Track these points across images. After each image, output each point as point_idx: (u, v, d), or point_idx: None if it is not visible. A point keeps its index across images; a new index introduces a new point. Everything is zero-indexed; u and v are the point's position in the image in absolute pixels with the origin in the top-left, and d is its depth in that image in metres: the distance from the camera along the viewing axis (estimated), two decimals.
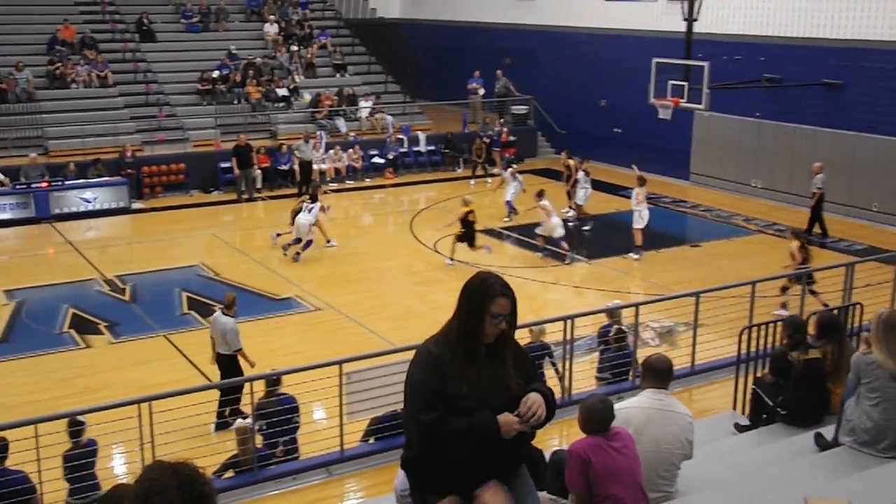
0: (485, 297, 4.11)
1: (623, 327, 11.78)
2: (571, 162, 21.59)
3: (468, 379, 4.09)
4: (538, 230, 18.61)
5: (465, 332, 4.13)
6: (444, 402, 4.05)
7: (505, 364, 4.20)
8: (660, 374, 6.17)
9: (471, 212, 17.85)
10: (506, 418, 4.06)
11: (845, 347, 8.13)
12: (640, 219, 18.41)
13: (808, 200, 19.80)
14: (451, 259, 17.88)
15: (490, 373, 4.14)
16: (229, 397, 10.81)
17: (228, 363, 11.49)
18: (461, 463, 4.13)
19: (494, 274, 4.28)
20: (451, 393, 4.06)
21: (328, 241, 19.13)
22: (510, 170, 21.99)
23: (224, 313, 11.66)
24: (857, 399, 6.73)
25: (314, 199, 18.94)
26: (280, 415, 9.57)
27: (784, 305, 14.10)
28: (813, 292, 13.85)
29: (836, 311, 10.03)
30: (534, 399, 4.07)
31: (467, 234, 17.83)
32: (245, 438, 9.23)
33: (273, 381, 9.77)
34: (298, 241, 18.39)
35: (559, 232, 18.15)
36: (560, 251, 18.16)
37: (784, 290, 14.15)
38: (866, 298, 12.03)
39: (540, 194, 18.56)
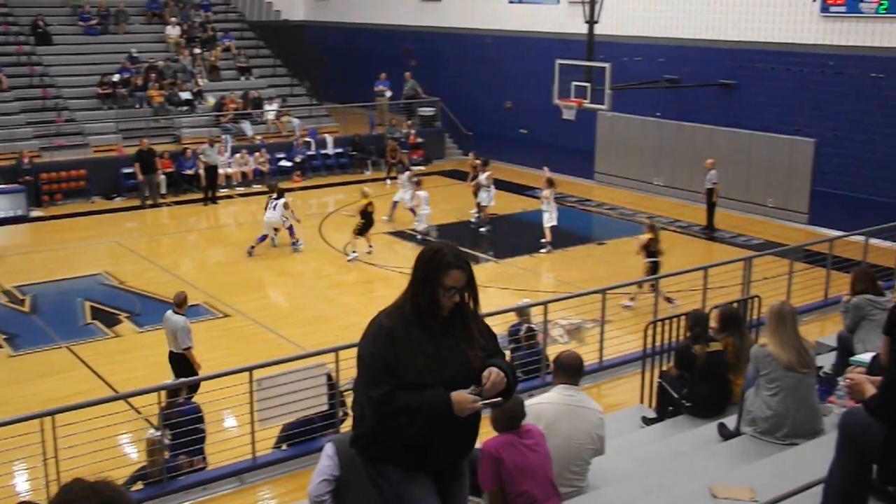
0: (437, 268, 3.99)
1: (532, 325, 11.94)
2: (477, 163, 21.75)
3: (423, 353, 3.95)
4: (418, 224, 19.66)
5: (419, 304, 4.00)
6: (396, 377, 3.91)
7: (465, 337, 4.07)
8: (570, 371, 6.30)
9: (370, 203, 18.41)
10: (460, 396, 3.90)
11: (745, 339, 8.41)
12: (551, 218, 18.78)
13: (725, 201, 20.50)
14: (354, 252, 18.40)
15: (448, 346, 4.01)
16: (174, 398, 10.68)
17: (180, 362, 11.45)
18: (411, 442, 4.02)
19: (450, 244, 4.15)
20: (403, 367, 3.92)
21: (294, 242, 19.14)
22: (407, 174, 21.93)
23: (175, 312, 11.61)
24: (757, 389, 6.97)
25: (279, 196, 18.91)
26: (184, 425, 9.41)
27: (633, 298, 14.68)
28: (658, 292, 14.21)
29: (735, 304, 10.35)
30: (495, 373, 3.93)
31: (367, 225, 18.48)
32: (154, 450, 9.07)
33: (173, 391, 9.60)
34: (264, 237, 18.68)
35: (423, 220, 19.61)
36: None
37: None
38: (764, 291, 12.45)
39: (417, 183, 19.94)
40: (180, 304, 11.70)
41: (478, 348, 4.08)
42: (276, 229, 19.09)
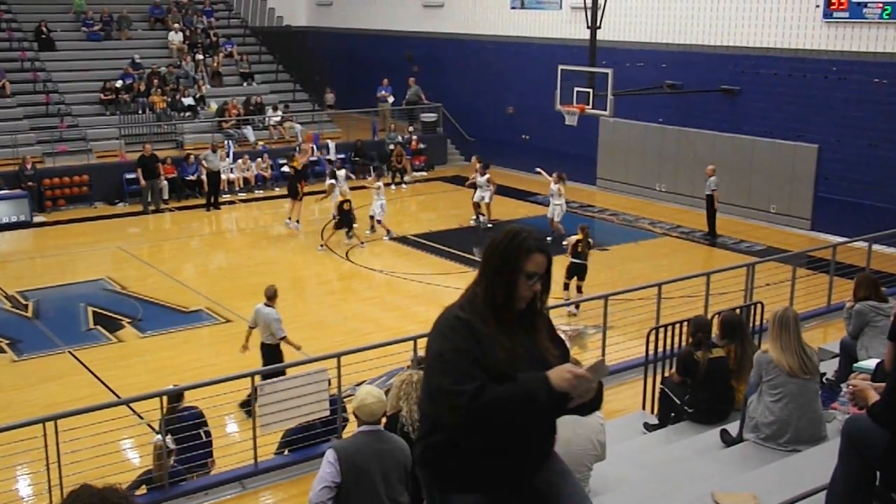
0: (518, 253, 3.59)
1: None
2: (478, 166, 21.77)
3: (503, 347, 3.54)
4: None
5: (495, 296, 3.59)
6: (484, 371, 3.48)
7: (539, 334, 3.70)
8: None
9: (346, 201, 19.56)
10: (556, 370, 3.47)
11: (748, 346, 8.40)
12: (562, 212, 19.29)
13: (728, 207, 20.54)
14: (294, 222, 20.70)
15: (523, 342, 3.62)
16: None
17: (272, 352, 11.84)
18: (500, 444, 3.54)
19: (527, 227, 3.73)
20: (488, 360, 3.50)
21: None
22: (379, 182, 21.12)
23: (266, 304, 12.02)
24: (760, 396, 6.97)
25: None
26: (186, 430, 9.40)
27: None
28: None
29: (738, 311, 10.35)
30: (597, 361, 3.57)
31: (343, 221, 19.72)
32: (160, 454, 9.07)
33: (175, 396, 9.59)
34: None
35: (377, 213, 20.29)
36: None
37: (566, 286, 15.35)
38: (767, 297, 12.44)
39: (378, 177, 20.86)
40: (271, 297, 12.16)
41: (553, 346, 3.75)
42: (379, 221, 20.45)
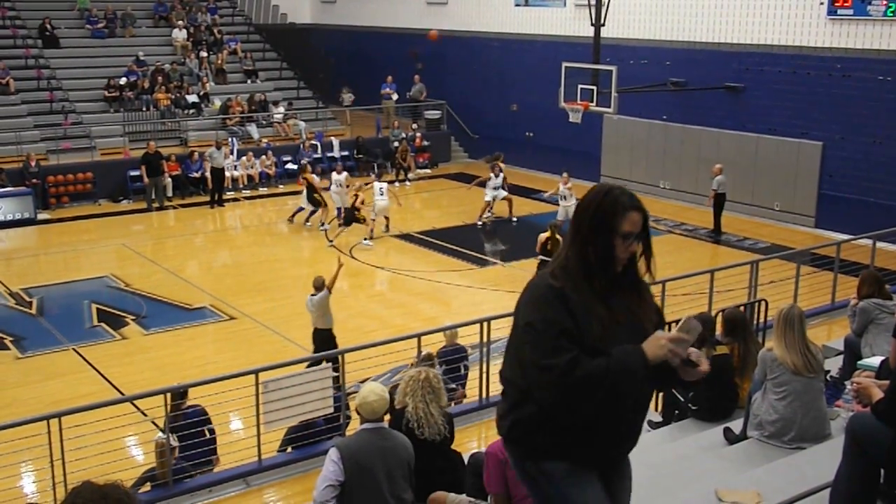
0: (613, 211, 3.41)
1: None
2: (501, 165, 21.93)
3: (598, 318, 3.35)
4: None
5: (589, 260, 3.40)
6: (577, 344, 3.31)
7: (640, 301, 3.52)
8: None
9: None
10: (651, 340, 3.34)
11: (751, 343, 8.38)
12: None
13: (731, 205, 20.52)
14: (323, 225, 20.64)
15: (621, 310, 3.43)
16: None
17: (326, 337, 12.32)
18: (591, 419, 3.39)
19: (618, 185, 3.57)
20: (581, 332, 3.32)
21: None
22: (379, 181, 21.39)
23: (314, 295, 12.58)
24: (764, 393, 6.96)
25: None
26: (189, 427, 9.41)
27: None
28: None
29: (742, 308, 10.33)
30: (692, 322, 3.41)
31: (349, 217, 19.86)
32: (163, 452, 9.08)
33: (179, 394, 9.59)
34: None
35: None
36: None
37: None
38: (771, 295, 12.43)
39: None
40: (320, 287, 12.71)
41: (652, 313, 3.56)
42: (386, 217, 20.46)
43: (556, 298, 3.35)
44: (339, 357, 10.25)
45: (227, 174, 24.31)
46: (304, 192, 21.27)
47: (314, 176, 21.92)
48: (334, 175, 21.53)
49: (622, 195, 3.46)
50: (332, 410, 10.08)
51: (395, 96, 29.76)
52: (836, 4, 19.58)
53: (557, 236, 15.68)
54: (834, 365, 8.95)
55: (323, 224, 20.83)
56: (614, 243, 3.41)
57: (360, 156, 27.23)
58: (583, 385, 3.26)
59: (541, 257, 15.85)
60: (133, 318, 15.43)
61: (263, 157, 25.68)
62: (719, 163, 20.22)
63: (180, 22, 30.64)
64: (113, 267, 18.43)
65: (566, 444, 3.48)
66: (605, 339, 3.33)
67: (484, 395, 11.04)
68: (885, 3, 18.76)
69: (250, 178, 25.25)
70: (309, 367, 10.57)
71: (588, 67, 21.54)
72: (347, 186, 21.01)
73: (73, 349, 14.00)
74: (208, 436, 9.60)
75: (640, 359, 3.28)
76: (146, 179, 22.98)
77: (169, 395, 9.28)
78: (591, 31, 22.11)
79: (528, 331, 3.38)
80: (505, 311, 12.66)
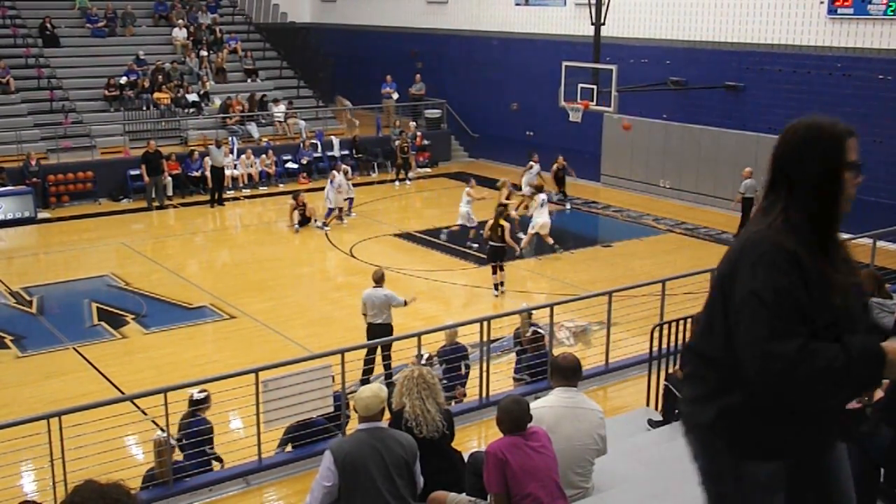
0: (836, 141, 2.91)
1: (539, 328, 11.92)
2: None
3: (839, 291, 2.81)
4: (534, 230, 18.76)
5: (824, 212, 2.88)
6: (808, 324, 2.73)
7: (850, 262, 3.02)
8: (567, 373, 6.28)
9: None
10: (893, 346, 2.73)
11: None
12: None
13: (720, 200, 20.38)
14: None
15: (847, 273, 2.93)
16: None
17: (384, 332, 12.05)
18: (811, 408, 2.87)
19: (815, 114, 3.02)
20: (817, 311, 2.75)
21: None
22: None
23: (375, 287, 12.33)
24: None
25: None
26: (191, 437, 9.42)
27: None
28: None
29: None
30: None
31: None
32: (161, 451, 9.07)
33: (198, 401, 9.58)
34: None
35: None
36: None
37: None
38: None
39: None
40: (379, 280, 12.42)
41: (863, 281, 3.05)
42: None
43: (790, 264, 2.78)
44: (341, 356, 10.24)
45: (227, 173, 24.30)
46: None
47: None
48: (336, 175, 21.41)
49: (836, 122, 2.97)
50: (332, 409, 10.08)
51: (395, 95, 29.75)
52: (837, 4, 19.58)
53: (502, 222, 16.21)
54: None
55: (325, 224, 20.81)
56: (844, 182, 2.89)
57: (360, 155, 27.22)
58: (815, 381, 2.70)
59: (491, 244, 16.34)
60: (133, 317, 15.43)
61: (263, 156, 25.67)
62: (749, 167, 19.69)
63: (180, 21, 30.63)
64: (113, 266, 18.43)
65: (778, 436, 2.94)
66: (843, 317, 2.82)
67: (484, 394, 11.03)
68: (885, 2, 18.76)
69: (250, 177, 25.24)
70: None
71: (588, 66, 21.54)
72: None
73: (74, 348, 14.00)
74: (206, 455, 9.60)
75: (880, 363, 2.71)
76: (146, 178, 22.98)
77: (188, 400, 9.30)
78: (591, 31, 22.12)
79: (752, 302, 2.77)
80: (504, 311, 12.71)
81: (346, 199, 21.48)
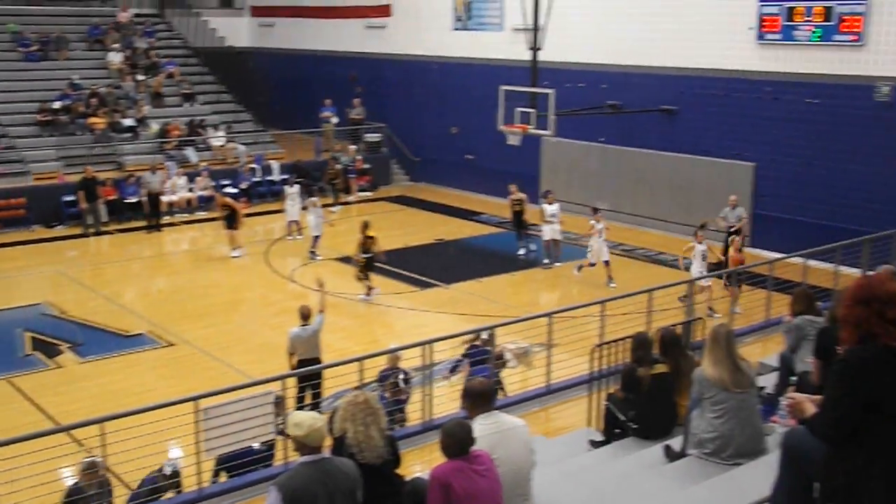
0: None
1: (406, 371, 11.84)
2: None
3: None
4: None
5: None
6: None
7: None
8: (485, 398, 6.21)
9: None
10: None
11: (683, 361, 8.49)
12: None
13: (657, 222, 20.68)
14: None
15: None
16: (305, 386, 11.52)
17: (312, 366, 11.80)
18: None
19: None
20: None
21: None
22: (315, 199, 21.73)
23: (304, 325, 12.12)
24: (702, 411, 7.07)
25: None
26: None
27: None
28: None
29: (678, 327, 10.49)
30: None
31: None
32: (89, 474, 8.82)
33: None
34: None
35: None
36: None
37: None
38: (706, 314, 12.64)
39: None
40: (306, 316, 12.20)
41: None
42: None
43: None
44: (282, 382, 10.16)
45: (165, 199, 24.02)
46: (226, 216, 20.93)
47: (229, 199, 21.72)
48: (312, 200, 21.43)
49: None
50: (274, 436, 9.98)
51: (334, 119, 29.72)
52: (765, 30, 20.11)
53: (371, 233, 17.43)
54: (769, 381, 9.13)
55: (316, 253, 20.63)
56: None
57: (300, 179, 27.07)
58: None
59: (363, 255, 17.47)
60: (69, 346, 15.13)
61: (198, 178, 25.36)
62: (735, 195, 19.30)
63: (116, 45, 30.26)
64: (48, 294, 18.07)
65: None
66: None
67: (427, 417, 11.03)
68: (810, 28, 19.32)
69: (189, 202, 24.97)
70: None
71: (526, 91, 21.74)
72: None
73: (6, 379, 13.66)
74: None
75: None
76: (84, 204, 22.61)
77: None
78: (528, 55, 22.37)
79: None
80: (447, 333, 12.72)
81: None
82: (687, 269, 16.52)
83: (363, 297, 17.54)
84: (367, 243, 17.55)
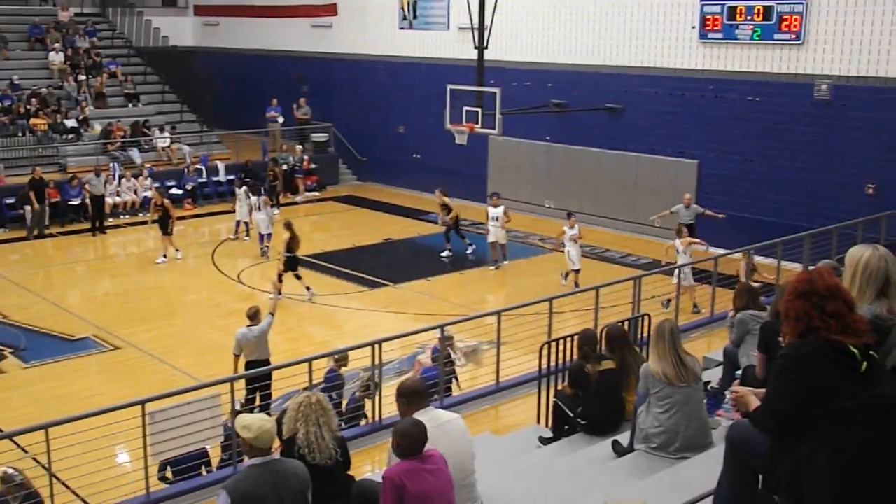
0: None
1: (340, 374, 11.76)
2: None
3: None
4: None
5: None
6: None
7: None
8: (421, 395, 6.20)
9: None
10: None
11: (629, 357, 8.61)
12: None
13: (602, 219, 20.92)
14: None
15: None
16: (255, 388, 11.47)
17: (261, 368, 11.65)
18: None
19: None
20: None
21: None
22: (263, 198, 21.40)
23: (251, 325, 12.01)
24: (648, 407, 7.18)
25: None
26: None
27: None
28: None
29: (625, 323, 10.62)
30: None
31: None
32: (8, 487, 8.64)
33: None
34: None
35: None
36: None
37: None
38: (654, 309, 12.81)
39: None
40: (253, 316, 12.08)
41: None
42: None
43: None
44: (230, 384, 10.09)
45: (109, 200, 23.68)
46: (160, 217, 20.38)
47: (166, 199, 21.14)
48: (261, 199, 21.15)
49: None
50: (222, 439, 9.91)
51: (280, 119, 29.54)
52: (707, 28, 20.41)
53: (295, 233, 17.48)
54: (714, 376, 9.28)
55: (264, 252, 20.51)
56: None
57: (248, 179, 26.83)
58: None
59: (286, 255, 17.47)
60: (11, 350, 14.86)
61: (140, 177, 25.02)
62: (688, 194, 19.51)
63: (57, 45, 29.73)
64: None
65: None
66: None
67: (377, 417, 11.02)
68: (751, 27, 19.66)
69: (133, 203, 24.63)
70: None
71: (472, 90, 21.80)
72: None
73: None
74: None
75: None
76: (36, 206, 22.26)
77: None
78: (474, 54, 22.43)
79: None
80: (397, 333, 12.71)
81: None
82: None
83: (309, 296, 17.45)
84: (290, 242, 17.52)
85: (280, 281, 17.09)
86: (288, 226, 17.67)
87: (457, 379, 12.33)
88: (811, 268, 11.15)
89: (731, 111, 20.26)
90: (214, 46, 35.38)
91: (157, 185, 24.83)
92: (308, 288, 17.53)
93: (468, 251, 20.58)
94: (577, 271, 17.78)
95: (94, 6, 33.79)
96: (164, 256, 20.19)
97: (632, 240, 21.54)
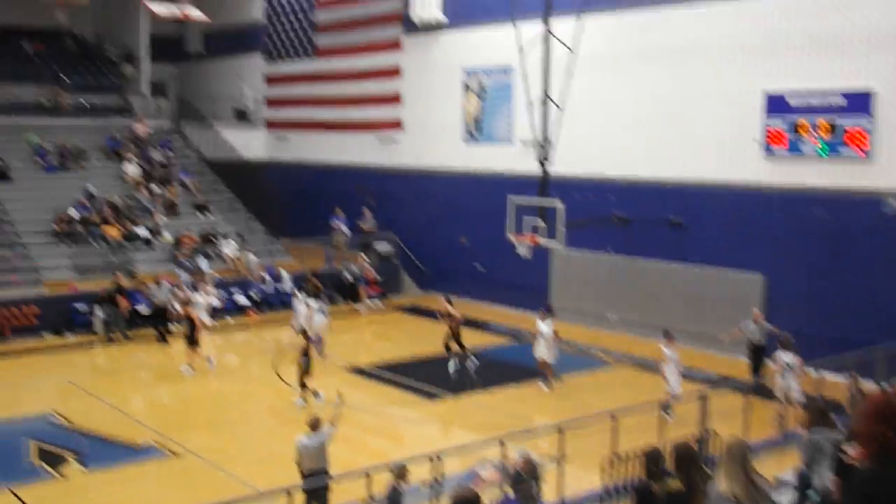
0: None
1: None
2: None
3: None
4: None
5: None
6: None
7: None
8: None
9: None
10: None
11: (696, 476, 8.32)
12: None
13: (677, 335, 20.64)
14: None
15: None
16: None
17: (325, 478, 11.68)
18: None
19: None
20: None
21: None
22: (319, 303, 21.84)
23: (313, 434, 12.07)
24: None
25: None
26: None
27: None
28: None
29: (693, 441, 10.34)
30: None
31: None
32: None
33: None
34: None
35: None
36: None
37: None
38: (721, 426, 12.46)
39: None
40: (315, 426, 12.14)
41: None
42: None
43: None
44: (287, 493, 10.00)
45: (173, 308, 24.09)
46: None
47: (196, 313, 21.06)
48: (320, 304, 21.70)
49: None
50: None
51: (344, 228, 30.01)
52: (772, 143, 20.37)
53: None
54: (785, 497, 8.95)
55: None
56: None
57: (317, 287, 27.12)
58: None
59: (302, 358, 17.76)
60: (74, 456, 14.97)
61: (203, 284, 25.37)
62: (757, 310, 19.19)
63: (132, 156, 30.84)
64: (55, 403, 17.96)
65: None
66: None
67: None
68: (817, 143, 19.56)
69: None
70: None
71: (534, 203, 21.90)
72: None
73: (9, 489, 13.48)
74: None
75: None
76: (122, 308, 23.28)
77: None
78: (537, 167, 22.65)
79: None
80: (457, 443, 12.54)
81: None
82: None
83: (318, 398, 17.59)
84: (306, 347, 17.94)
85: (303, 387, 17.61)
86: (303, 331, 18.63)
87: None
88: (889, 389, 10.80)
89: (798, 225, 20.06)
90: (282, 159, 36.33)
91: (224, 295, 25.20)
92: (316, 393, 17.70)
93: (451, 370, 19.85)
94: (676, 397, 16.01)
95: (170, 120, 35.11)
96: (188, 366, 20.19)
97: (696, 354, 21.11)
